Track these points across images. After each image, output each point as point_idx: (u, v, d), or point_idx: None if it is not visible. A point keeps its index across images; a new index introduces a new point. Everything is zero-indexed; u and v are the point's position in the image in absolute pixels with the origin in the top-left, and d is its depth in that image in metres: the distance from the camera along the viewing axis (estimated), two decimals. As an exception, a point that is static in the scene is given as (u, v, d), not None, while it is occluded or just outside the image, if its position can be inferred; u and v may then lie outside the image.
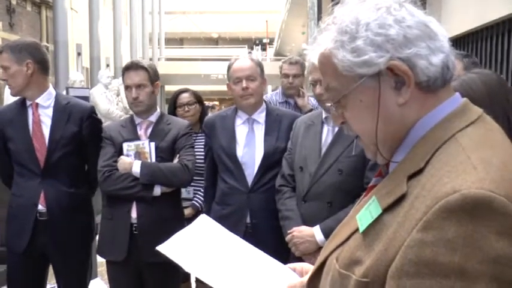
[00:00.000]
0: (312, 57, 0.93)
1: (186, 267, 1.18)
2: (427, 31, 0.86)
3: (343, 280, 0.84)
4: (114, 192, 2.59)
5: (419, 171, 0.80)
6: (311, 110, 3.78)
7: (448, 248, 0.69)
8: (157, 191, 2.57)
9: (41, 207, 2.60)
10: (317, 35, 0.92)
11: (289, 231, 2.22)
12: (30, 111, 2.64)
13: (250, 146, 2.54)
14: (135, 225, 2.57)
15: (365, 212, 0.86)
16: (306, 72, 3.79)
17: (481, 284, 0.68)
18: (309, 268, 1.18)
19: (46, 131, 2.62)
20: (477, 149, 0.79)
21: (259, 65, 2.59)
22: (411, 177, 0.81)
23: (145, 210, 2.56)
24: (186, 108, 3.34)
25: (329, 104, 0.95)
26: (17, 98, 2.74)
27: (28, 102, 2.65)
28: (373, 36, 0.84)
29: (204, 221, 1.42)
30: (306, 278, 1.12)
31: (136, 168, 2.55)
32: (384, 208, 0.82)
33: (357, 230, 0.86)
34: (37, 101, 2.64)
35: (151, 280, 2.64)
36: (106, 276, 2.90)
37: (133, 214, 2.57)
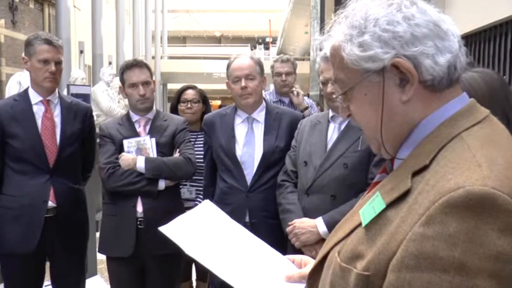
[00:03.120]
0: (325, 48, 0.95)
1: (186, 250, 1.19)
2: (436, 30, 0.86)
3: (344, 273, 0.85)
4: (120, 188, 2.62)
5: (424, 168, 0.81)
6: (306, 108, 3.79)
7: (449, 243, 0.70)
8: (162, 185, 2.63)
9: (50, 203, 2.61)
10: (331, 27, 0.94)
11: (290, 223, 2.21)
12: (38, 108, 2.64)
13: (249, 145, 2.53)
14: (140, 219, 2.61)
15: (368, 207, 0.86)
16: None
17: (480, 279, 0.69)
18: (307, 260, 1.20)
19: (57, 128, 2.66)
20: (482, 147, 0.79)
21: (259, 64, 2.58)
22: (416, 173, 0.81)
23: (151, 204, 2.61)
24: (189, 105, 3.33)
25: (335, 96, 0.97)
26: (13, 94, 2.76)
27: (35, 100, 2.65)
28: (380, 32, 0.85)
29: (207, 206, 1.43)
30: (304, 270, 1.14)
31: (140, 163, 2.59)
32: (388, 203, 0.82)
33: (360, 224, 0.87)
34: (49, 98, 2.67)
35: (154, 271, 2.66)
36: (106, 274, 2.90)
37: (139, 208, 2.61)
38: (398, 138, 0.89)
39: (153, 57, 22.85)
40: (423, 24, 0.85)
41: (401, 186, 0.81)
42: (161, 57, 25.14)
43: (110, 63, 17.22)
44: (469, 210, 0.70)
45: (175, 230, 1.27)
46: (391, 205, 0.82)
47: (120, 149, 2.67)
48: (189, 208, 3.00)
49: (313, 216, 2.18)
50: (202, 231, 1.30)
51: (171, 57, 27.94)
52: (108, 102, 8.15)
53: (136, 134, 2.70)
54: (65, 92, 6.20)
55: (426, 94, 0.86)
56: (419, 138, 0.86)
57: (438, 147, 0.82)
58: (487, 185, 0.71)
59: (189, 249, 1.20)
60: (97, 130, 3.07)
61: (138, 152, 2.65)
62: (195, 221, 1.34)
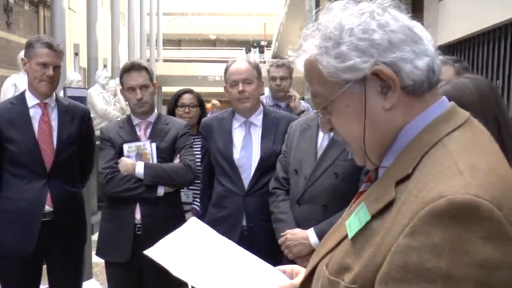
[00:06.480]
0: (298, 65, 0.92)
1: (174, 271, 1.17)
2: (412, 35, 0.86)
3: (333, 286, 0.84)
4: (118, 193, 2.60)
5: (407, 177, 0.80)
6: (303, 111, 3.79)
7: (434, 253, 0.69)
8: (161, 191, 2.61)
9: (47, 207, 2.59)
10: (302, 42, 0.91)
11: (282, 234, 2.22)
12: (34, 112, 2.62)
13: (247, 149, 2.54)
14: (138, 225, 2.59)
15: (354, 218, 0.86)
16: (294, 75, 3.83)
17: None
18: (299, 270, 1.19)
19: (54, 132, 2.63)
20: (464, 153, 0.79)
21: (256, 68, 2.59)
22: (399, 183, 0.80)
23: (149, 211, 2.59)
24: (187, 110, 3.33)
25: (315, 111, 0.94)
26: (9, 97, 2.74)
27: (32, 103, 2.63)
28: (357, 41, 0.84)
29: (194, 224, 1.42)
30: (296, 280, 1.14)
31: (139, 169, 2.57)
32: (373, 214, 0.82)
33: (347, 236, 0.86)
34: (46, 101, 2.65)
35: (151, 280, 2.64)
36: (101, 277, 2.90)
37: (137, 215, 2.59)
38: (383, 147, 0.88)
39: (148, 60, 22.80)
40: (399, 30, 0.84)
41: (386, 197, 0.80)
42: (156, 60, 25.11)
43: (105, 65, 17.20)
44: (453, 219, 0.69)
45: (161, 252, 1.25)
46: (376, 216, 0.81)
47: (120, 153, 2.64)
48: (187, 212, 3.02)
49: (305, 226, 2.18)
50: (190, 250, 1.28)
51: (166, 60, 27.90)
52: (104, 105, 8.15)
53: (137, 138, 2.68)
54: (61, 95, 6.18)
55: (408, 99, 0.85)
56: (402, 146, 0.85)
57: (420, 154, 0.81)
58: (469, 193, 0.71)
59: (177, 270, 1.18)
60: (96, 133, 3.06)
61: (137, 157, 2.62)
62: (182, 240, 1.32)
